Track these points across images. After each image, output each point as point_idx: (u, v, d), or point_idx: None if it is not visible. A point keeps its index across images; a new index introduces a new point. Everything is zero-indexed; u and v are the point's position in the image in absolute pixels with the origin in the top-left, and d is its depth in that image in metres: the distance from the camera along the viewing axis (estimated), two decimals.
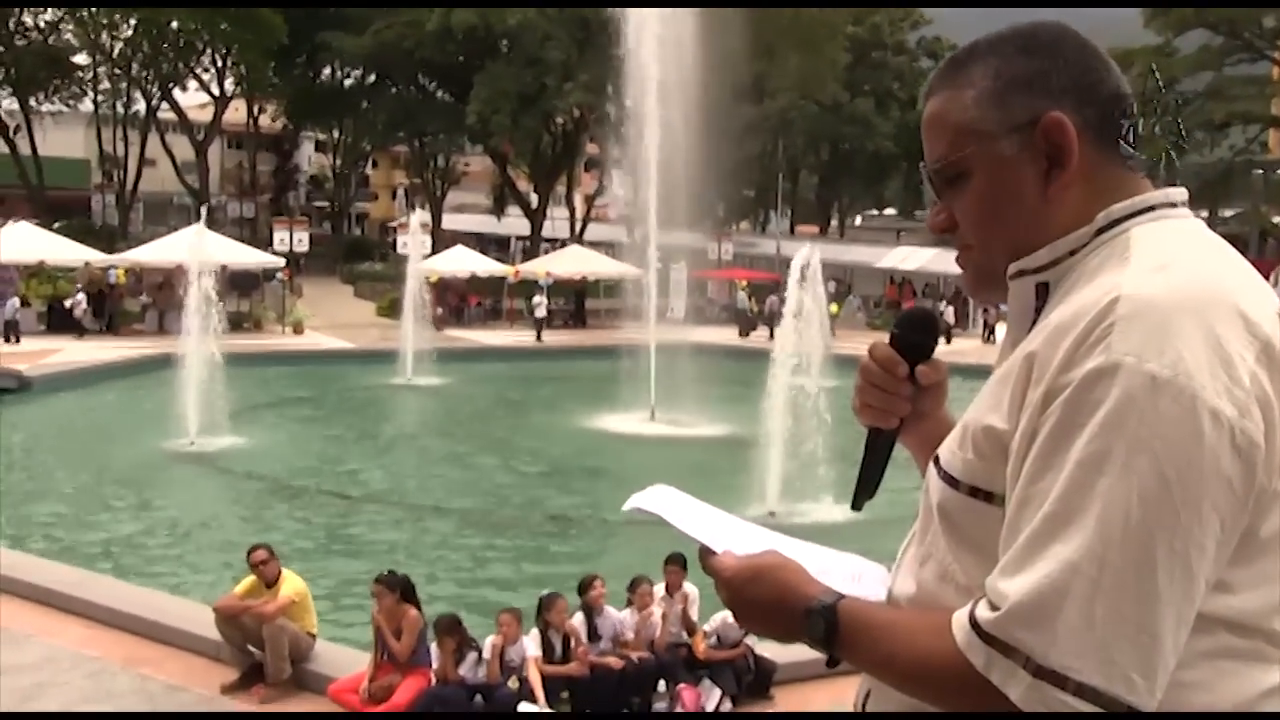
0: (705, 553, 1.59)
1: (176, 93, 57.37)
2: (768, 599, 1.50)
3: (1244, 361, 1.27)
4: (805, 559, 1.56)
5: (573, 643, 8.54)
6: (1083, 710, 1.24)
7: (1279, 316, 1.35)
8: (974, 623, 1.32)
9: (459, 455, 19.54)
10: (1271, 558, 1.33)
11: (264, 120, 65.03)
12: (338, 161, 69.17)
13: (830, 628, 1.44)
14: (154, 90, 55.80)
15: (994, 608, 1.30)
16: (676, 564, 8.98)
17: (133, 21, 50.59)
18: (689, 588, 9.05)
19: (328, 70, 61.77)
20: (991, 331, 37.71)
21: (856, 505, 1.75)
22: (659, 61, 24.82)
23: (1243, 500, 1.27)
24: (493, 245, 64.41)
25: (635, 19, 25.53)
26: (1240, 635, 1.33)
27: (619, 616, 8.87)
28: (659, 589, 9.05)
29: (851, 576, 1.62)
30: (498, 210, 68.44)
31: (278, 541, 10.61)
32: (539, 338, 35.94)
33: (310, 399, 25.09)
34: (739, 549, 1.57)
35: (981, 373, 1.55)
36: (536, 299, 37.12)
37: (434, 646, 8.50)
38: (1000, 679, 1.29)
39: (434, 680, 8.40)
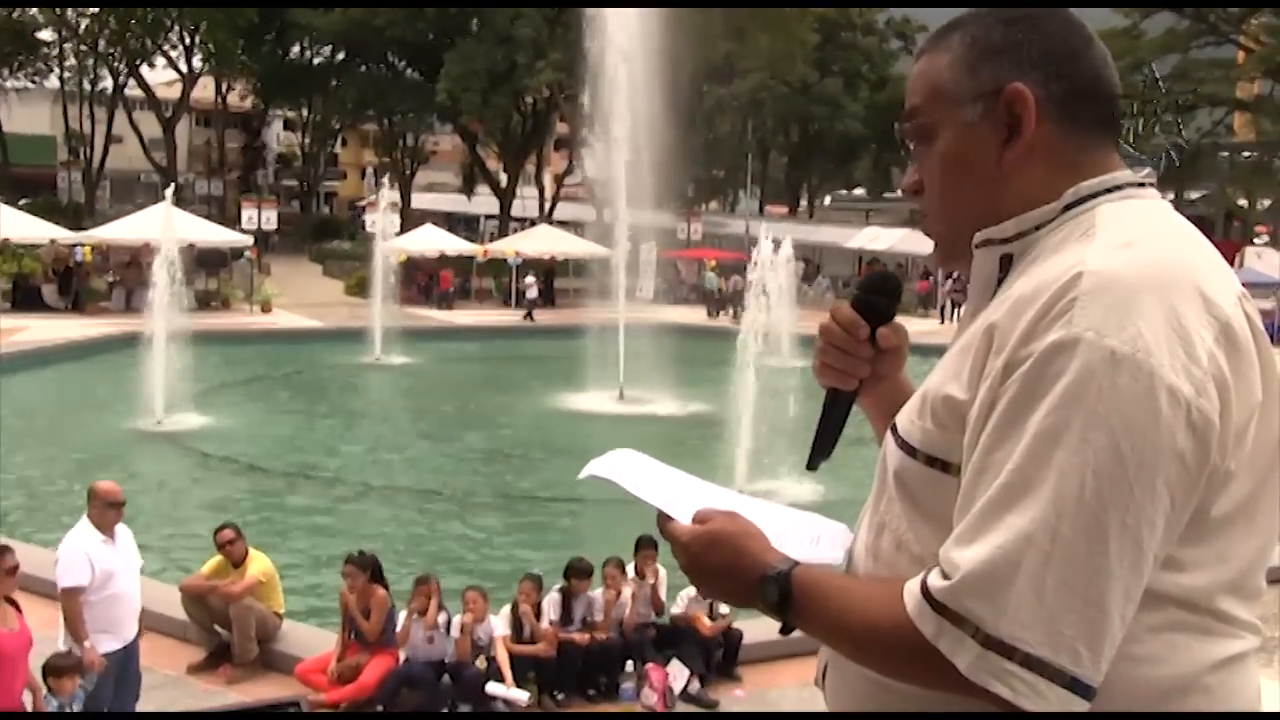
0: (663, 519, 1.59)
1: (144, 69, 56.64)
2: (724, 565, 1.51)
3: (1203, 341, 1.28)
4: (764, 521, 1.57)
5: (541, 622, 8.53)
6: (1027, 679, 1.25)
7: (1239, 299, 1.36)
8: (925, 591, 1.33)
9: (427, 434, 19.49)
10: (1222, 537, 1.34)
11: (232, 98, 64.43)
12: (307, 140, 68.59)
13: (784, 594, 1.45)
14: (121, 67, 55.12)
15: (946, 577, 1.31)
16: (649, 548, 8.97)
17: None
18: (660, 570, 9.07)
19: (297, 48, 61.14)
20: (953, 309, 37.82)
21: (812, 465, 1.78)
22: (629, 41, 24.75)
23: (1195, 478, 1.29)
24: (462, 224, 64.14)
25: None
26: (1189, 611, 1.34)
27: (590, 596, 8.87)
28: (629, 569, 9.05)
29: (810, 539, 1.62)
30: (467, 189, 68.19)
31: (246, 521, 10.54)
32: (529, 317, 35.71)
33: (279, 378, 24.94)
34: (700, 510, 1.57)
35: (938, 351, 1.54)
36: (528, 279, 36.98)
37: (402, 615, 8.47)
38: (949, 648, 1.29)
39: (401, 659, 8.39)
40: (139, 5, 47.54)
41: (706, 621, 8.81)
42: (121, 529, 7.37)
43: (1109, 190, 1.45)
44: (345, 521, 13.69)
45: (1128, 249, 1.34)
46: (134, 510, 13.78)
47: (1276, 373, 1.38)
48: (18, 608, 6.67)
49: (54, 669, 6.68)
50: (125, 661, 7.27)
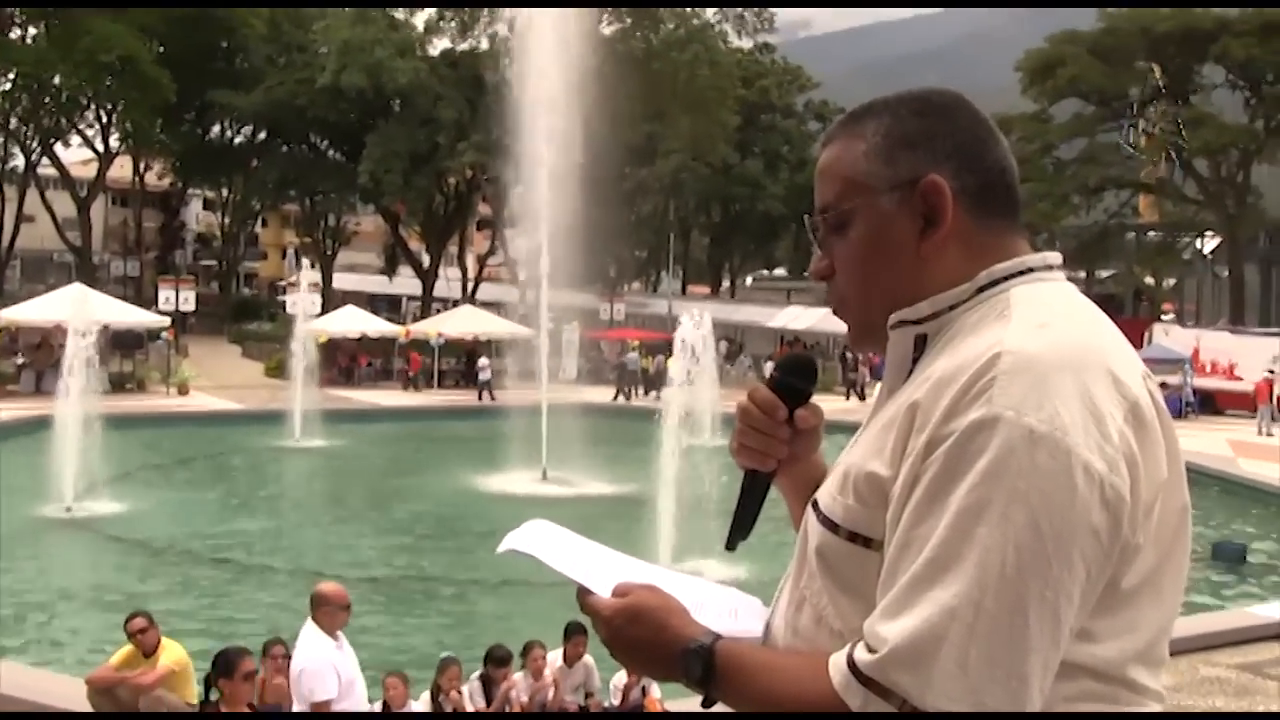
0: (582, 592, 1.59)
1: (58, 148, 56.07)
2: (646, 639, 1.51)
3: (1114, 420, 1.33)
4: (683, 594, 1.57)
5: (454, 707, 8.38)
6: None
7: (1144, 378, 1.41)
8: (852, 664, 1.34)
9: (347, 518, 19.20)
10: (1132, 608, 1.38)
11: (150, 177, 63.88)
12: (226, 220, 68.10)
13: (708, 668, 1.45)
14: (34, 145, 54.51)
15: (871, 650, 1.32)
16: (579, 634, 8.79)
17: (11, 75, 49.43)
18: (588, 659, 8.92)
19: (217, 127, 60.96)
20: (858, 390, 38.28)
21: (731, 545, 1.78)
22: (550, 123, 24.98)
23: (1109, 552, 1.32)
24: (384, 305, 63.88)
25: (527, 81, 25.70)
26: (1101, 681, 1.37)
27: (514, 679, 8.73)
28: (555, 655, 8.92)
29: (729, 611, 1.63)
30: (389, 270, 68.03)
31: (159, 609, 10.27)
32: (481, 397, 35.34)
33: (195, 461, 24.48)
34: (620, 583, 1.57)
35: (843, 429, 1.57)
36: (481, 362, 36.71)
37: None
38: None
39: None
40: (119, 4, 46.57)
41: (657, 706, 8.64)
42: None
43: (1020, 273, 1.49)
44: (261, 608, 13.37)
45: (1043, 330, 1.38)
46: (39, 599, 13.47)
47: (1179, 449, 1.42)
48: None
49: None
50: None
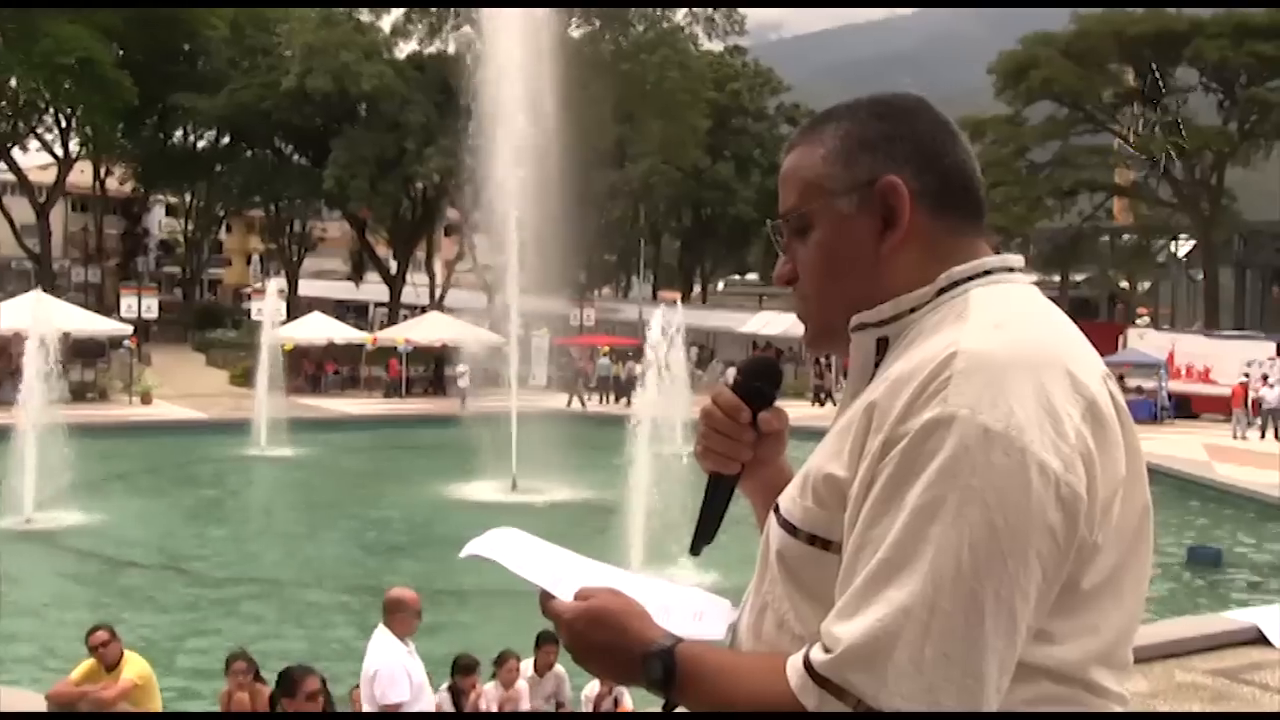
0: (545, 597, 1.60)
1: (16, 153, 55.57)
2: (607, 643, 1.52)
3: (1070, 419, 1.34)
4: (648, 597, 1.58)
5: None
6: None
7: (1104, 379, 1.43)
8: (808, 665, 1.35)
9: (313, 529, 19.13)
10: (1092, 609, 1.39)
11: (111, 183, 63.33)
12: (190, 226, 67.60)
13: (668, 671, 1.46)
14: None
15: (827, 650, 1.34)
16: (550, 644, 8.80)
17: None
18: (559, 669, 8.93)
19: (180, 132, 60.55)
20: (825, 395, 38.46)
21: (695, 550, 1.79)
22: (520, 126, 24.99)
23: (1065, 551, 1.33)
24: (351, 312, 63.66)
25: (497, 84, 25.69)
26: (1061, 684, 1.39)
27: (484, 690, 8.72)
28: (526, 665, 8.92)
29: (694, 614, 1.65)
30: (356, 276, 67.76)
31: (122, 622, 10.22)
32: (464, 404, 35.15)
33: (158, 472, 24.33)
34: (582, 588, 1.58)
35: (808, 434, 1.59)
36: (460, 368, 36.42)
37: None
38: None
39: None
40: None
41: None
42: None
43: (980, 275, 1.52)
44: (226, 620, 13.32)
45: (999, 330, 1.40)
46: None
47: (1139, 449, 1.44)
48: None
49: None
50: None
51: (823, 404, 37.13)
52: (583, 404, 36.74)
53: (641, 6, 51.16)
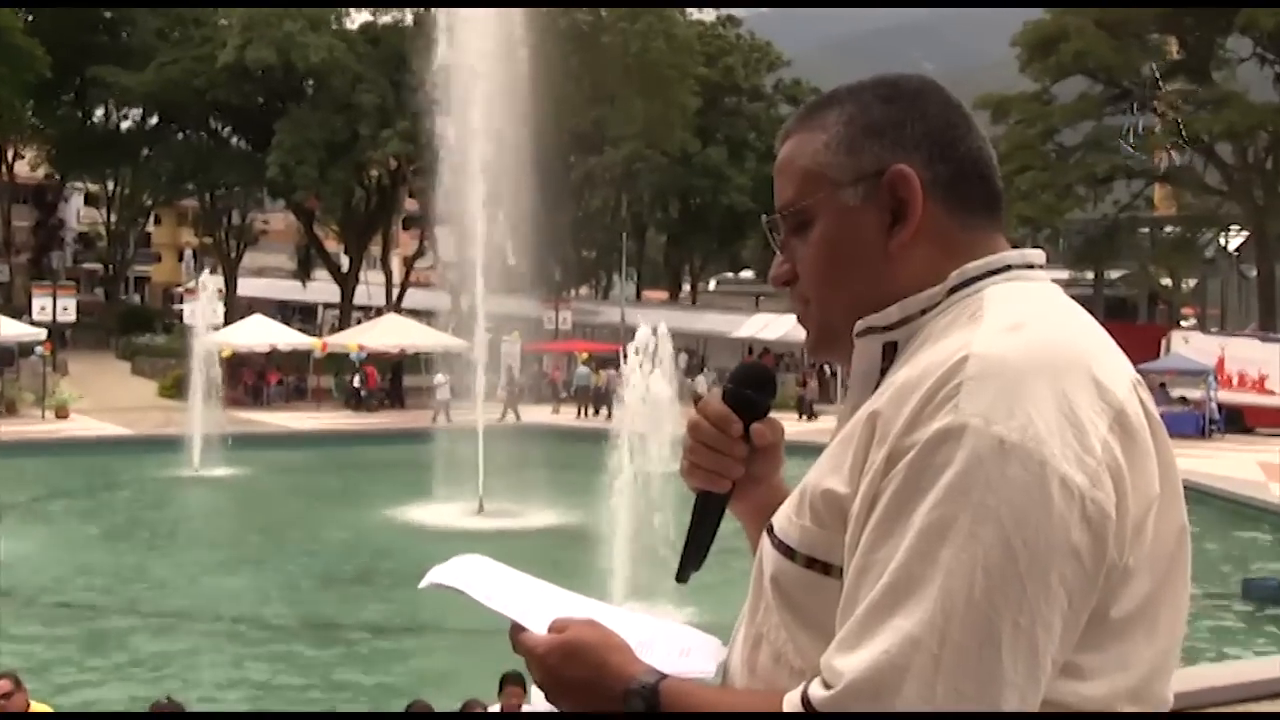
0: (516, 629, 1.60)
1: None
2: (584, 679, 1.52)
3: (1096, 429, 1.33)
4: (628, 631, 1.58)
5: None
6: None
7: (1133, 385, 1.42)
8: (806, 702, 1.35)
9: (253, 558, 19.10)
10: (1124, 641, 1.38)
11: (21, 168, 63.15)
12: (113, 217, 67.44)
13: (651, 709, 1.46)
14: None
15: (828, 686, 1.33)
16: (515, 684, 8.83)
17: None
18: (527, 709, 8.94)
19: (101, 111, 60.42)
20: (808, 408, 38.62)
21: (682, 577, 1.78)
22: (485, 107, 24.97)
23: (1092, 575, 1.32)
24: (297, 314, 63.59)
25: (459, 60, 25.67)
26: None
27: None
28: (494, 709, 8.94)
29: (680, 650, 1.64)
30: (303, 274, 67.65)
31: (30, 668, 10.17)
32: (448, 418, 34.83)
33: (74, 496, 24.27)
34: (557, 619, 1.58)
35: (802, 450, 1.59)
36: (439, 378, 36.21)
37: None
38: None
39: None
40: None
41: None
42: None
43: (996, 271, 1.51)
44: (154, 661, 13.29)
45: (1016, 332, 1.39)
46: None
47: (1174, 463, 1.43)
48: None
49: None
50: None
51: (813, 418, 37.10)
52: (517, 416, 36.21)
53: (641, 6, 51.04)
